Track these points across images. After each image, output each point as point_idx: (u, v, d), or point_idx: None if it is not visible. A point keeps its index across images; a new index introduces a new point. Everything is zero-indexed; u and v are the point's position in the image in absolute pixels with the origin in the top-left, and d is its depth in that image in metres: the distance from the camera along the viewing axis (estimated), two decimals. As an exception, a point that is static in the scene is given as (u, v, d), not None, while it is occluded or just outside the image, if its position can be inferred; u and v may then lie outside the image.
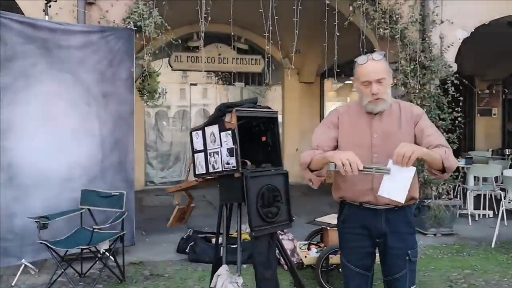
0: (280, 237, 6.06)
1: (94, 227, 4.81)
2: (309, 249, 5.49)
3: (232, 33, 6.45)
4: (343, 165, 2.55)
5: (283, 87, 13.82)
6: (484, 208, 8.97)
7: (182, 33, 11.43)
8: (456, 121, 7.74)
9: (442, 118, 7.65)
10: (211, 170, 3.48)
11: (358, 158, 2.55)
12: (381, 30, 7.53)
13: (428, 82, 7.73)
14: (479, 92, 14.59)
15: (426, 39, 7.82)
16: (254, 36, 12.24)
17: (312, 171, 2.86)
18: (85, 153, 5.80)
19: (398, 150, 2.55)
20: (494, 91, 14.93)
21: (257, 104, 3.63)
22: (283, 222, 3.51)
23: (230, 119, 3.30)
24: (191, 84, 13.44)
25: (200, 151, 3.55)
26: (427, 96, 7.67)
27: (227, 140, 3.33)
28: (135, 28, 6.14)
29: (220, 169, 3.41)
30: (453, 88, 7.75)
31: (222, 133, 3.37)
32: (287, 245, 5.75)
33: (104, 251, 5.10)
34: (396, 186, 2.59)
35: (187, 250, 6.16)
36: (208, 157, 3.48)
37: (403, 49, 7.68)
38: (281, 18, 6.14)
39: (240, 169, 3.29)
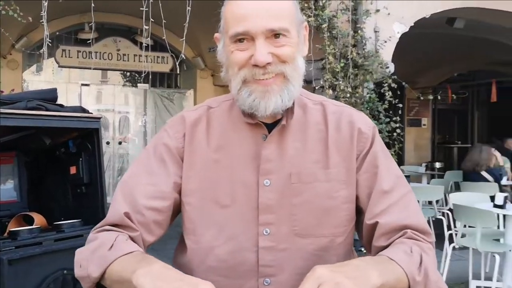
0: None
1: None
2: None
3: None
4: None
5: (195, 91, 12.07)
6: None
7: (71, 23, 9.74)
8: (395, 133, 6.30)
9: (378, 130, 6.14)
10: None
11: None
12: (304, 17, 5.91)
13: (361, 85, 6.28)
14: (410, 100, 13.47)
15: (359, 31, 6.36)
16: (161, 30, 10.46)
17: None
18: None
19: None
20: (422, 100, 13.85)
21: (58, 103, 1.82)
22: None
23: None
24: (82, 85, 11.24)
25: None
26: (360, 102, 6.20)
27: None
28: None
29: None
30: (390, 92, 6.29)
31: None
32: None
33: None
34: None
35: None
36: None
37: (332, 42, 6.13)
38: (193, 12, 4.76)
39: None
